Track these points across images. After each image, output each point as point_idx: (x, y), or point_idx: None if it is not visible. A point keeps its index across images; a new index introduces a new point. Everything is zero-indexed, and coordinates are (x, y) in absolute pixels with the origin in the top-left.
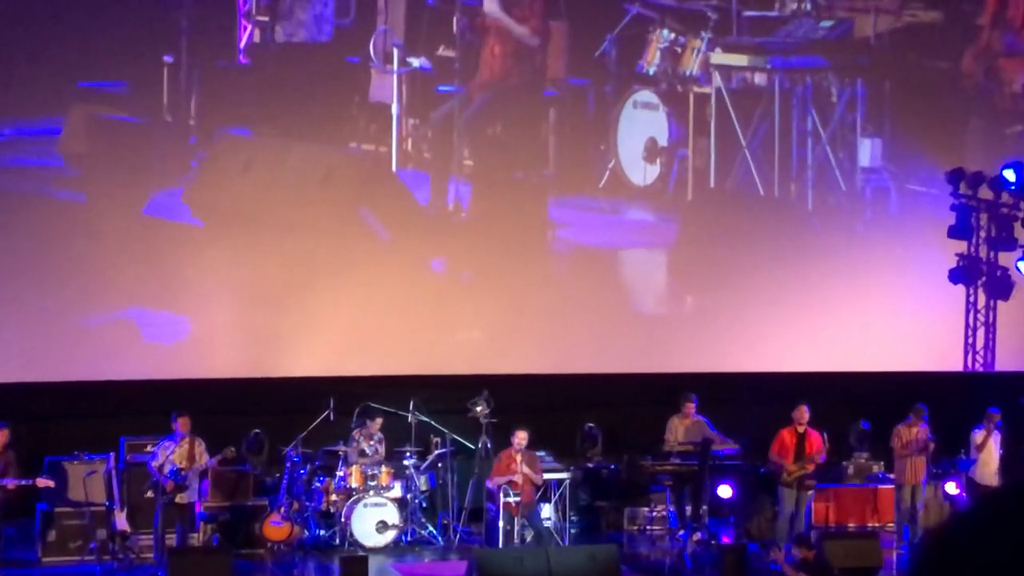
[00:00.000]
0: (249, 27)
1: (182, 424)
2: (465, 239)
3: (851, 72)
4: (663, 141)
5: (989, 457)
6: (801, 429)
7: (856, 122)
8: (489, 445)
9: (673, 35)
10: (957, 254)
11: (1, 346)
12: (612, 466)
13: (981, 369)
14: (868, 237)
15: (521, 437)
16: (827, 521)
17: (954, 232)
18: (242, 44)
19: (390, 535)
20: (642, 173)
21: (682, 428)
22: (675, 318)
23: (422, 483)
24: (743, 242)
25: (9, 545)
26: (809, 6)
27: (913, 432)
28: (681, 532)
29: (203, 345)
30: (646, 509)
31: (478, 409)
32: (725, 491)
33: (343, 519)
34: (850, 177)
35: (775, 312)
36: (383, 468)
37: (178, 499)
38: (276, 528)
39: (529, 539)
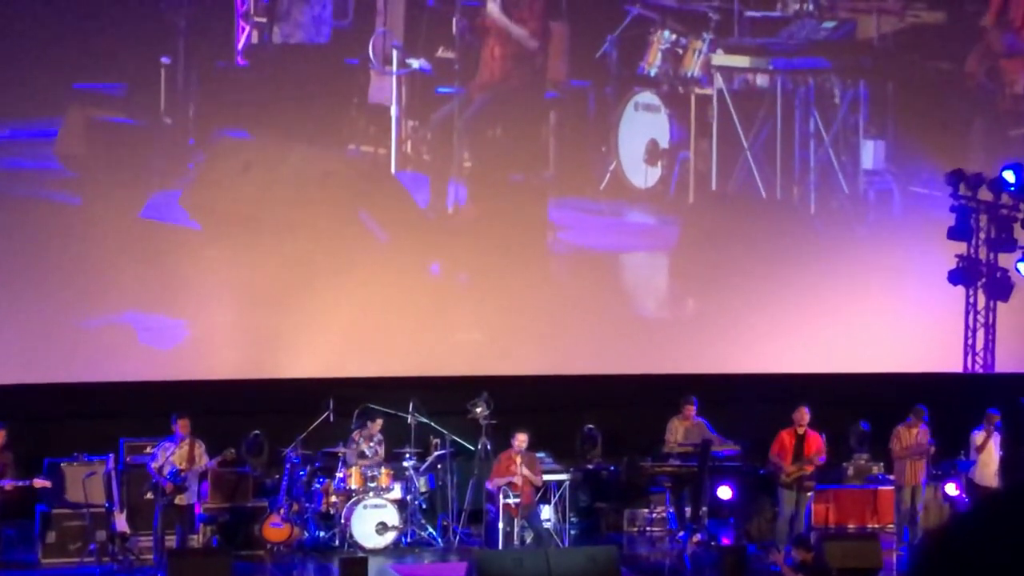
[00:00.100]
0: (247, 28)
1: (182, 426)
2: (465, 241)
3: (854, 73)
4: (664, 143)
5: (989, 458)
6: (801, 431)
7: (859, 124)
8: (489, 446)
9: (674, 36)
10: (957, 255)
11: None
12: (612, 467)
13: (981, 370)
14: (869, 239)
15: (521, 439)
16: (827, 522)
17: (954, 233)
18: (240, 45)
19: (390, 536)
20: (643, 175)
21: (682, 429)
22: (676, 321)
23: (422, 484)
24: (745, 245)
25: (9, 547)
26: (811, 7)
27: (913, 433)
28: (681, 533)
29: (201, 348)
30: (646, 510)
31: (478, 410)
32: (725, 492)
33: (343, 520)
34: (853, 180)
35: (775, 314)
36: (383, 469)
37: (177, 500)
38: (276, 530)
39: (529, 540)
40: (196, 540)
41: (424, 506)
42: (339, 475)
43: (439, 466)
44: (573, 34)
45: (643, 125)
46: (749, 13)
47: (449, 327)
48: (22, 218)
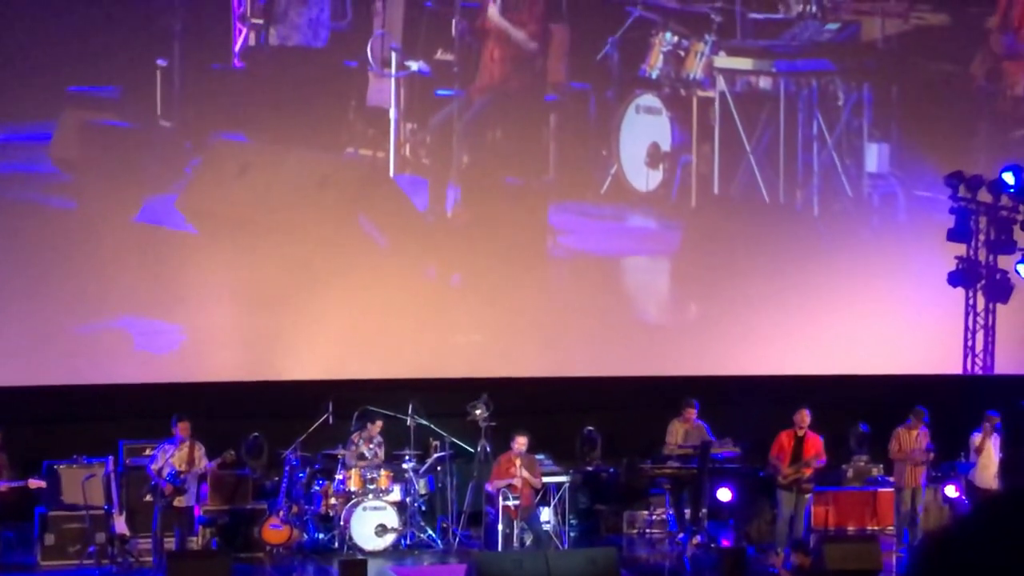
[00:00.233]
0: (244, 30)
1: (182, 429)
2: (464, 245)
3: (857, 76)
4: (666, 146)
5: (988, 460)
6: (800, 432)
7: (863, 127)
8: (488, 448)
9: (676, 38)
10: (956, 257)
11: None
12: (611, 469)
13: (980, 372)
14: (872, 242)
15: (521, 442)
16: (826, 524)
17: (953, 235)
18: (237, 47)
19: (389, 538)
20: (645, 179)
21: (682, 431)
22: (678, 326)
23: (421, 486)
24: (747, 249)
25: (8, 549)
26: (815, 8)
27: (913, 435)
28: (680, 535)
29: (197, 353)
30: (645, 512)
31: (477, 412)
32: (724, 494)
33: (342, 522)
34: (856, 183)
35: (776, 317)
36: (382, 471)
37: (177, 503)
38: (275, 531)
39: (528, 542)
40: (195, 542)
41: (424, 508)
42: (338, 477)
43: (439, 468)
44: (574, 36)
45: (644, 128)
46: (752, 15)
47: (448, 329)
48: (16, 222)
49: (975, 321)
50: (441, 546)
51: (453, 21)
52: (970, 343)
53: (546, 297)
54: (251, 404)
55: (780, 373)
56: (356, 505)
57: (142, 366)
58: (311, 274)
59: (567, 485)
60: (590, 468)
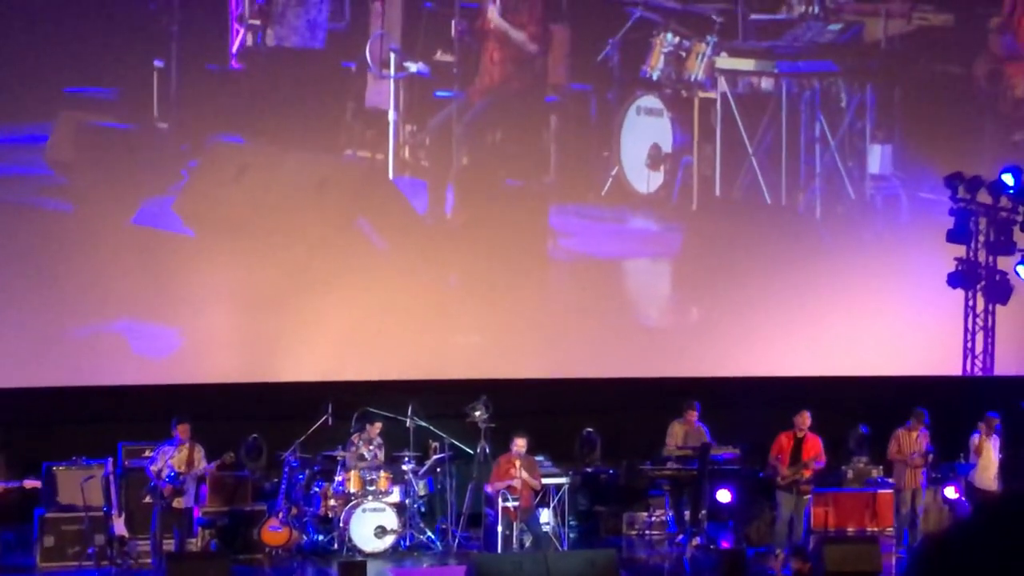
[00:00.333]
0: (241, 31)
1: (182, 431)
2: (464, 248)
3: (860, 77)
4: (667, 148)
5: (988, 462)
6: (800, 434)
7: (866, 128)
8: (488, 450)
9: (677, 39)
10: (956, 258)
11: None
12: (611, 471)
13: (980, 373)
14: (875, 244)
15: (520, 443)
16: (826, 525)
17: (953, 236)
18: (234, 48)
19: (388, 540)
20: (646, 181)
21: (682, 433)
22: (679, 328)
23: (421, 488)
24: (749, 251)
25: (7, 550)
26: (817, 9)
27: (913, 436)
28: (680, 537)
29: (194, 356)
30: (645, 514)
31: (477, 414)
32: (724, 496)
33: (341, 524)
34: (859, 185)
35: (777, 319)
36: (381, 473)
37: (176, 504)
38: (274, 533)
39: (528, 544)
40: (194, 544)
41: (423, 510)
42: (338, 479)
43: (438, 470)
44: (574, 37)
45: (646, 129)
46: (753, 16)
47: (448, 330)
48: (12, 225)
49: (975, 322)
50: (440, 548)
51: (452, 22)
52: (970, 344)
53: (546, 299)
54: (250, 406)
55: (780, 374)
56: (355, 507)
57: (140, 369)
58: (310, 276)
59: (566, 486)
60: (590, 469)
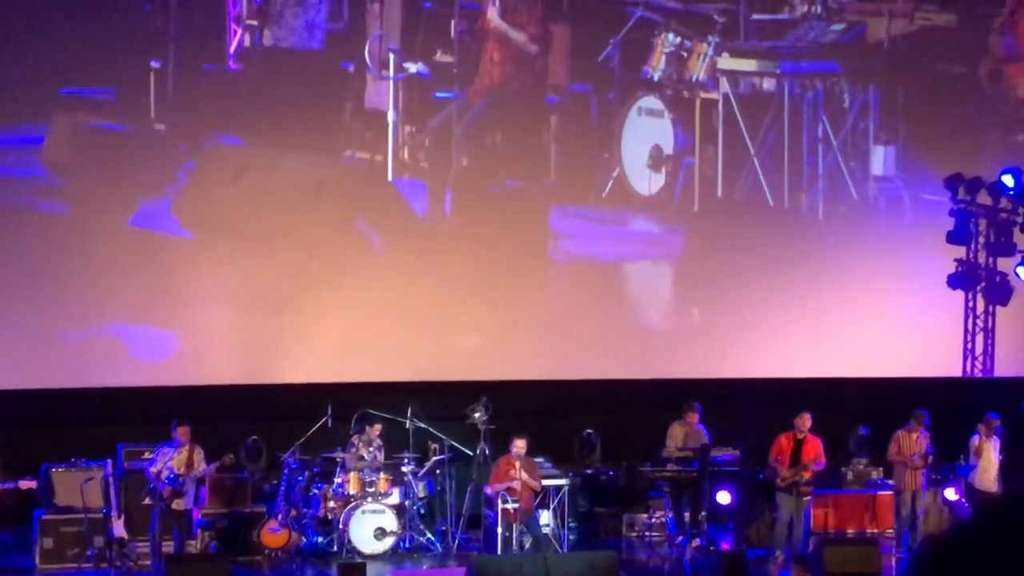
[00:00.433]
0: (239, 31)
1: (182, 433)
2: (463, 249)
3: (863, 77)
4: (669, 149)
5: (988, 463)
6: (800, 436)
7: (868, 129)
8: (487, 451)
9: (679, 39)
10: (956, 259)
11: None
12: (611, 472)
13: (980, 375)
14: (878, 246)
15: (520, 444)
16: (826, 527)
17: (953, 237)
18: (232, 49)
19: (388, 542)
20: (647, 182)
21: (682, 434)
22: (680, 331)
23: (420, 489)
24: (751, 253)
25: (6, 552)
26: (819, 9)
27: (913, 438)
28: (680, 538)
29: (191, 359)
30: (645, 515)
31: (476, 415)
32: (724, 497)
33: (341, 526)
34: (862, 186)
35: (778, 320)
36: (381, 475)
37: (175, 506)
38: (274, 535)
39: (528, 546)
40: (194, 546)
41: (423, 511)
42: (337, 480)
43: (438, 471)
44: (574, 37)
45: (647, 130)
46: (755, 16)
47: (447, 332)
48: (7, 227)
49: (975, 324)
50: (440, 549)
51: (452, 22)
52: (970, 346)
53: (546, 301)
54: (249, 407)
55: (780, 376)
56: (355, 508)
57: (136, 373)
58: (309, 278)
59: (566, 488)
60: (589, 471)
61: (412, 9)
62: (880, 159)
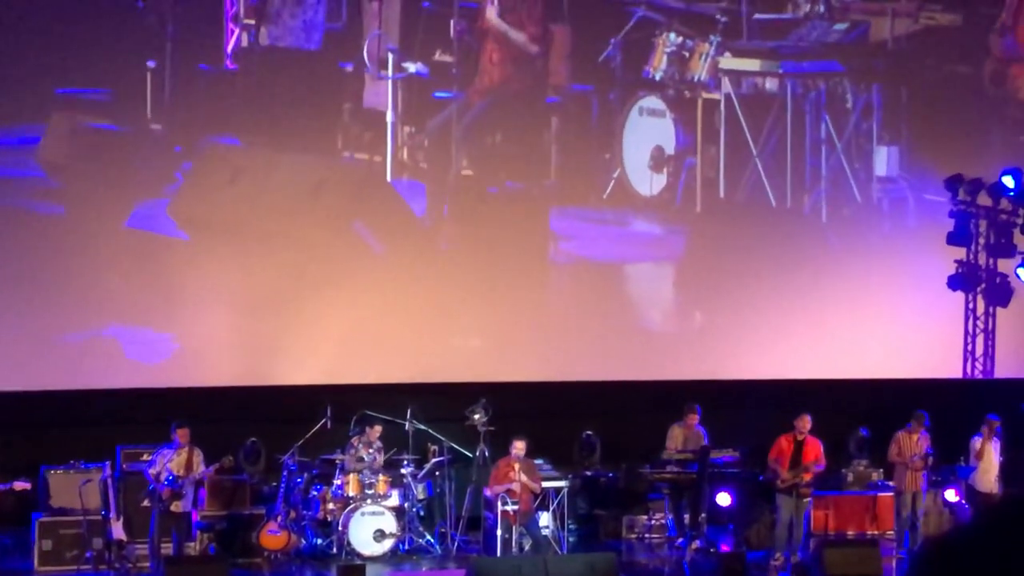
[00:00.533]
0: (236, 31)
1: (181, 435)
2: (463, 251)
3: (867, 77)
4: (670, 149)
5: (989, 464)
6: (801, 437)
7: (872, 130)
8: (487, 453)
9: (681, 39)
10: (956, 261)
11: None
12: (610, 474)
13: (980, 376)
14: (881, 248)
15: (519, 446)
16: (826, 529)
17: (953, 239)
18: (229, 49)
19: (387, 544)
20: (648, 183)
21: (682, 436)
22: (682, 333)
23: (420, 491)
24: (753, 255)
25: (5, 555)
26: (822, 8)
27: (914, 439)
28: (680, 540)
29: (189, 362)
30: (644, 517)
31: (476, 417)
32: (724, 499)
33: (340, 528)
34: (866, 187)
35: (779, 321)
36: (380, 476)
37: (174, 508)
38: (273, 537)
39: (527, 548)
40: (193, 548)
41: (422, 513)
42: (336, 482)
43: (437, 473)
44: (575, 37)
45: (648, 131)
46: (758, 15)
47: (447, 334)
48: (3, 228)
49: (975, 325)
50: (439, 551)
51: (451, 22)
52: (970, 347)
53: (546, 302)
54: (248, 409)
55: (780, 377)
56: (354, 510)
57: (134, 375)
58: (306, 281)
59: (566, 490)
60: (589, 473)
61: (411, 8)
62: (883, 160)
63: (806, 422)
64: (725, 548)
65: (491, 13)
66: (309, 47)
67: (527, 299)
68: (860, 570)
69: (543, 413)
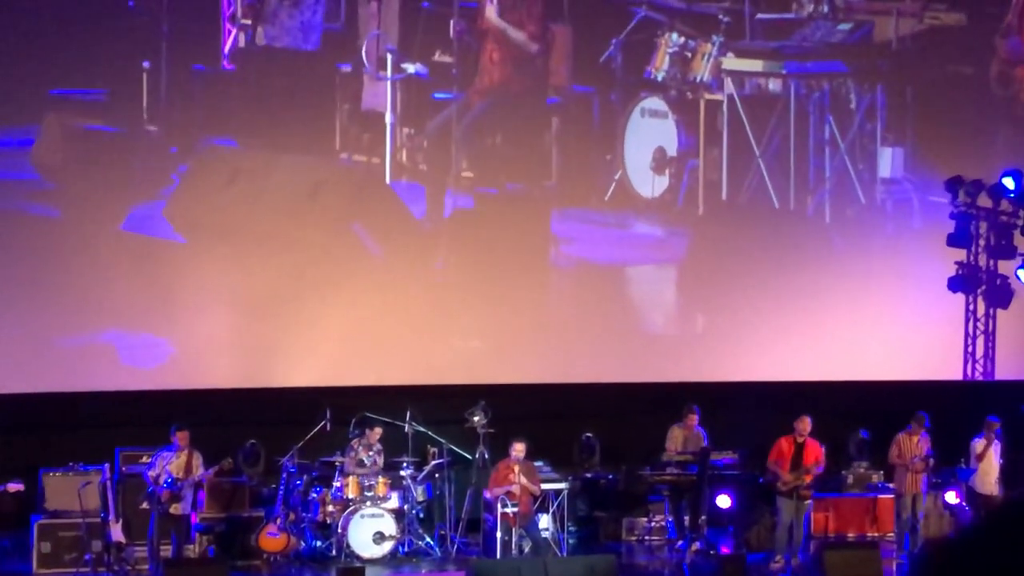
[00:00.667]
0: (233, 31)
1: (181, 438)
2: (463, 253)
3: (871, 78)
4: (672, 151)
5: (989, 466)
6: (801, 439)
7: (876, 131)
8: (486, 455)
9: (683, 39)
10: (956, 262)
11: None
12: (610, 476)
13: (981, 378)
14: (885, 250)
15: (519, 448)
16: (826, 531)
17: (953, 240)
18: (226, 49)
19: (387, 546)
20: (650, 185)
21: (682, 437)
22: (682, 335)
23: (419, 494)
24: (756, 257)
25: (3, 557)
26: (826, 8)
27: (914, 441)
28: (680, 542)
29: (186, 366)
30: (644, 519)
31: (475, 419)
32: (724, 501)
33: (340, 530)
34: (870, 189)
35: (781, 324)
36: (380, 479)
37: (173, 510)
38: (272, 539)
39: (527, 550)
40: (192, 550)
41: (421, 515)
42: (336, 484)
43: (437, 475)
44: (576, 37)
45: (650, 132)
46: (761, 15)
47: (446, 335)
48: None
49: (975, 327)
50: (439, 553)
51: (451, 22)
52: (970, 349)
53: (546, 304)
54: (248, 411)
55: (780, 379)
56: (354, 512)
57: (131, 380)
58: (305, 284)
59: (566, 492)
60: (589, 475)
61: (410, 8)
62: (888, 161)
63: (806, 424)
64: (725, 550)
65: (491, 12)
66: (307, 47)
67: (527, 301)
68: (860, 572)
69: (543, 415)
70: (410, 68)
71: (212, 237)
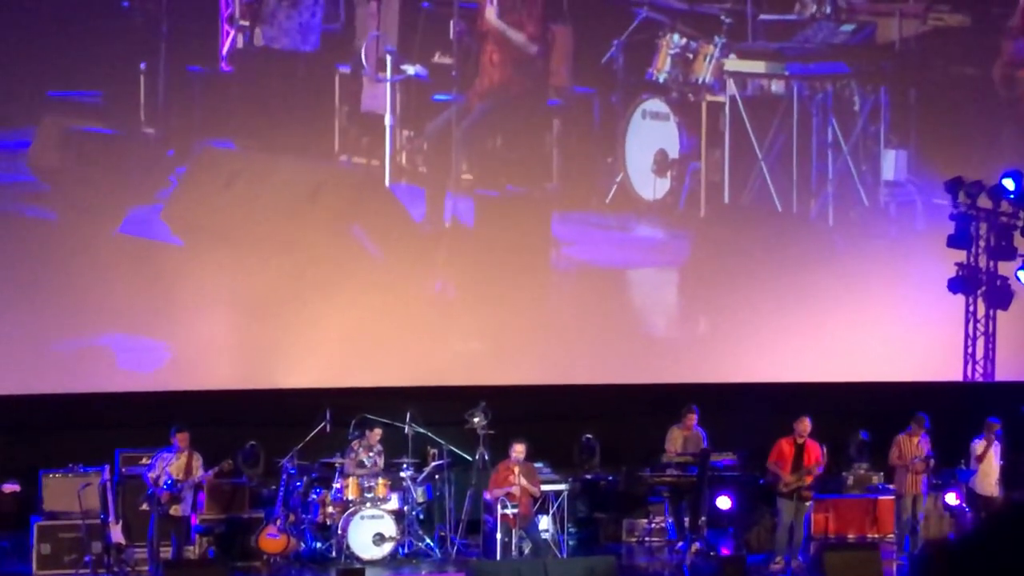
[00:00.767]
0: (232, 32)
1: (181, 440)
2: (463, 256)
3: (874, 79)
4: (674, 153)
5: (989, 468)
6: (801, 440)
7: (880, 133)
8: (487, 456)
9: (684, 40)
10: (956, 263)
11: None
12: (610, 477)
13: (981, 379)
14: (886, 251)
15: (519, 450)
16: (827, 532)
17: (953, 241)
18: (224, 51)
19: (387, 547)
20: (652, 187)
21: (681, 438)
22: (683, 337)
23: (419, 495)
24: (759, 260)
25: (3, 558)
26: (829, 9)
27: (914, 442)
28: (680, 543)
29: (184, 369)
30: (644, 521)
31: (475, 420)
32: (724, 502)
33: (340, 531)
34: (873, 191)
35: (782, 325)
36: (380, 480)
37: (173, 511)
38: (272, 540)
39: (527, 551)
40: (192, 551)
41: (421, 517)
42: (336, 486)
43: (436, 476)
44: (577, 38)
45: (651, 134)
46: (763, 16)
47: (446, 337)
48: None
49: (975, 328)
50: (439, 555)
51: (451, 23)
52: (970, 350)
53: (547, 306)
54: (248, 413)
55: (780, 380)
56: (353, 514)
57: (130, 382)
58: (304, 286)
59: (566, 493)
60: (589, 476)
61: (410, 9)
62: (891, 163)
63: (806, 425)
64: (725, 551)
65: (491, 13)
66: (306, 49)
67: (527, 303)
68: (860, 573)
69: (542, 416)
70: (410, 69)
71: (210, 240)
